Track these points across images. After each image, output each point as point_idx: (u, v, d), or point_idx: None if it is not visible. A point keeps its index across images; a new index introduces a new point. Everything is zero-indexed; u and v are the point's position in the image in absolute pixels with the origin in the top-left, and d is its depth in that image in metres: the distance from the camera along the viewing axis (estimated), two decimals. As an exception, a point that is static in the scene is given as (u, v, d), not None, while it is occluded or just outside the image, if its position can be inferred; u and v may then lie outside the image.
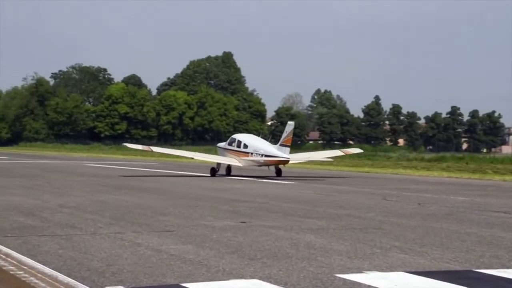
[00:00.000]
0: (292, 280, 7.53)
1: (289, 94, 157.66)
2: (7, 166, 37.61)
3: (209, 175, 30.60)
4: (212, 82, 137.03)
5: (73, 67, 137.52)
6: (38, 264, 8.25)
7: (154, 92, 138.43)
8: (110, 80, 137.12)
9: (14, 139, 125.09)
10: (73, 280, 7.35)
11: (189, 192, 20.26)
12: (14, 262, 8.39)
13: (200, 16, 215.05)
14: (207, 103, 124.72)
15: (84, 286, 7.11)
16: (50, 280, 7.35)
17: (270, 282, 7.43)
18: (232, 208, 15.48)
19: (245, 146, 31.01)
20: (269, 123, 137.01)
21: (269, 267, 8.27)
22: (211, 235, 11.00)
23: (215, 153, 35.01)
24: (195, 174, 32.10)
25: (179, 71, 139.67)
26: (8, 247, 9.39)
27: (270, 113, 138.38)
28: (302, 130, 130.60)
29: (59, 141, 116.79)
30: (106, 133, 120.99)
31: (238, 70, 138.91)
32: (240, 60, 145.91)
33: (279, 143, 30.51)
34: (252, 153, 30.37)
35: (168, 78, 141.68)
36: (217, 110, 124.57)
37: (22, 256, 8.75)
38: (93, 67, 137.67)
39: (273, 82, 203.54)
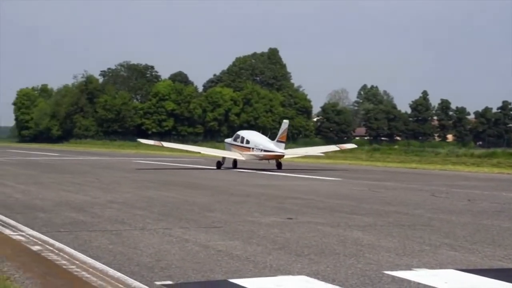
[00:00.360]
0: (340, 277, 7.49)
1: (335, 90, 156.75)
2: (58, 163, 38.44)
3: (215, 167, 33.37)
4: (258, 78, 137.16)
5: (121, 65, 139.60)
6: (90, 258, 8.41)
7: (200, 89, 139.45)
8: (157, 77, 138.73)
9: (65, 136, 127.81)
10: (123, 275, 7.47)
11: (235, 189, 20.34)
12: (66, 256, 8.57)
13: (246, 13, 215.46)
14: (252, 100, 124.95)
15: (134, 281, 7.21)
16: (101, 275, 7.49)
17: (318, 278, 7.41)
18: (279, 205, 15.48)
19: (247, 141, 33.63)
20: (315, 119, 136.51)
21: (317, 264, 8.24)
22: (258, 231, 11.02)
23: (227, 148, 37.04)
24: (242, 170, 32.21)
25: (225, 67, 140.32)
26: (61, 242, 9.60)
27: (316, 109, 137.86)
28: (348, 126, 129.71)
29: (107, 137, 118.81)
30: (154, 130, 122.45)
31: (283, 66, 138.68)
32: (286, 56, 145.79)
33: (276, 139, 32.97)
34: (253, 148, 33.09)
35: (214, 75, 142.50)
36: (263, 107, 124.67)
37: (74, 251, 8.94)
38: (141, 64, 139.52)
39: (319, 78, 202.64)
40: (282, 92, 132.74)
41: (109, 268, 7.82)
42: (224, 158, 34.34)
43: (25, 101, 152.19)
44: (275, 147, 32.57)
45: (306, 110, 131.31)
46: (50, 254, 8.76)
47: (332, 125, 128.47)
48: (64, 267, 7.95)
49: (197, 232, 10.81)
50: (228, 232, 10.85)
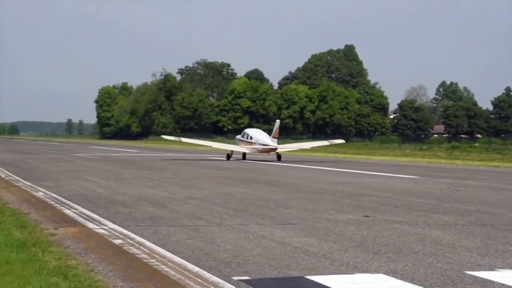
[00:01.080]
0: (419, 276, 7.34)
1: (413, 86, 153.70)
2: (137, 159, 39.43)
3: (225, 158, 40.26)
4: (333, 75, 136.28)
5: (198, 63, 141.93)
6: (169, 253, 8.58)
7: (275, 86, 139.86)
8: (233, 75, 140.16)
9: (144, 132, 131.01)
10: (201, 270, 7.58)
11: (311, 186, 20.29)
12: (146, 250, 8.78)
13: (322, 10, 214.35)
14: (328, 97, 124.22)
15: (212, 275, 7.31)
16: (180, 269, 7.63)
17: (396, 277, 7.30)
18: (355, 202, 15.33)
19: (251, 138, 41.26)
20: (391, 117, 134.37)
21: (395, 262, 8.11)
22: (334, 228, 10.95)
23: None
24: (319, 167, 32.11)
25: (300, 65, 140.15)
26: (141, 236, 9.85)
27: (392, 106, 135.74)
28: (426, 123, 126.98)
29: (184, 134, 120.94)
30: (229, 127, 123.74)
31: (360, 63, 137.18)
32: (362, 53, 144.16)
33: (271, 136, 41.09)
34: (254, 143, 40.66)
35: (290, 72, 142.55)
36: (338, 104, 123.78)
37: (154, 245, 9.15)
38: (217, 62, 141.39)
39: (396, 75, 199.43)
40: (358, 89, 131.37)
41: (188, 263, 7.96)
42: (232, 151, 41.35)
43: (106, 99, 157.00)
44: (270, 142, 40.21)
45: (382, 107, 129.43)
46: (131, 247, 9.00)
47: (409, 123, 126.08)
48: (145, 260, 8.15)
49: (273, 229, 10.84)
50: (304, 229, 10.83)
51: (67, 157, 41.12)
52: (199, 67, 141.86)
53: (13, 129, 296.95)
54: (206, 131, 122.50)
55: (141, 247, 8.99)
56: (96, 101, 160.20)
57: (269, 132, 44.40)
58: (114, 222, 11.32)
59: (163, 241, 9.53)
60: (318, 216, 12.64)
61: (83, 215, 12.22)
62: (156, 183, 20.35)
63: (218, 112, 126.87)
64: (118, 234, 10.07)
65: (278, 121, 44.34)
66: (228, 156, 40.56)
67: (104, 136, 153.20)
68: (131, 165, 32.14)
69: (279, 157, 40.22)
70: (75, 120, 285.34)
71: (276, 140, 40.69)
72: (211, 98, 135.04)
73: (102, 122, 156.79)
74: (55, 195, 15.81)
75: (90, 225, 11.06)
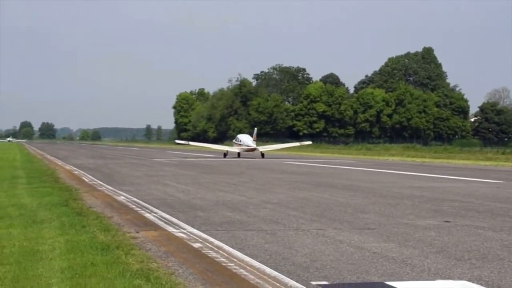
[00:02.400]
0: (505, 284, 7.10)
1: (495, 88, 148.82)
2: (214, 164, 39.92)
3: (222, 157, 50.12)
4: (411, 78, 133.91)
5: (274, 68, 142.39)
6: (247, 257, 8.64)
7: (351, 90, 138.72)
8: (308, 79, 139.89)
9: (220, 137, 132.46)
10: (279, 274, 7.60)
11: (389, 191, 19.97)
12: (225, 254, 8.88)
13: (399, 12, 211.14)
14: (405, 100, 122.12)
15: (291, 280, 7.31)
16: (258, 273, 7.67)
17: (481, 284, 7.09)
18: (435, 207, 14.99)
19: (240, 141, 54.87)
20: (472, 120, 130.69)
21: (479, 269, 7.88)
22: (414, 233, 10.74)
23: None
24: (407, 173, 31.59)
25: (377, 68, 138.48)
26: (220, 240, 9.96)
27: (473, 109, 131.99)
28: (510, 126, 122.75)
29: (260, 139, 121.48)
30: (305, 131, 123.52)
31: (439, 65, 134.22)
32: (441, 55, 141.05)
33: (252, 139, 54.49)
34: (242, 145, 53.96)
35: (366, 76, 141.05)
36: (416, 107, 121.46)
37: (232, 249, 9.23)
38: (293, 67, 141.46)
39: (477, 77, 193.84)
40: (437, 92, 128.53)
41: (266, 267, 7.99)
42: (227, 151, 54.51)
43: (184, 105, 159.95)
44: (252, 144, 53.86)
45: (462, 110, 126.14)
46: (210, 251, 9.11)
47: (492, 126, 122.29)
48: (224, 264, 8.23)
49: (351, 234, 10.74)
50: (383, 234, 10.68)
51: (147, 162, 42.12)
52: (275, 72, 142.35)
53: (96, 135, 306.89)
54: (282, 135, 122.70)
55: (220, 251, 9.09)
56: (174, 107, 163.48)
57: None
58: (193, 226, 11.49)
59: (241, 245, 9.61)
60: (397, 221, 12.43)
61: (163, 219, 12.47)
62: (233, 188, 20.53)
63: (293, 116, 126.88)
64: (197, 238, 10.22)
65: (255, 128, 62.15)
66: (224, 155, 52.77)
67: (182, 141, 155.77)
68: (208, 169, 32.58)
69: (262, 155, 53.40)
70: (154, 126, 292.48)
71: (255, 142, 54.68)
72: (286, 103, 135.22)
73: (180, 127, 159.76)
74: (136, 199, 16.22)
75: (170, 228, 11.27)
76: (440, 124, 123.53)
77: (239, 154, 53.82)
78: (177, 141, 71.55)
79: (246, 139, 55.10)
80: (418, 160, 48.96)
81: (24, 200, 15.37)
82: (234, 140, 57.41)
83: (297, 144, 66.13)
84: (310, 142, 70.56)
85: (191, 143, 67.16)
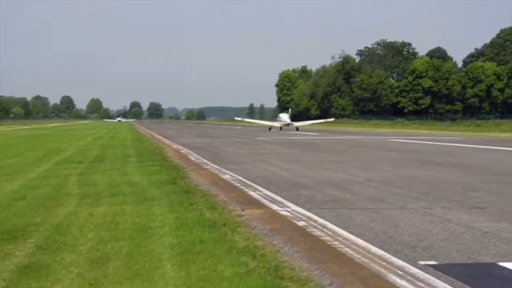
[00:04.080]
0: None
1: None
2: (317, 142, 39.87)
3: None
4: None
5: (378, 43, 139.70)
6: (352, 235, 8.61)
7: (459, 64, 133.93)
8: (414, 54, 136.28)
9: (322, 115, 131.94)
10: (385, 253, 7.52)
11: (501, 167, 19.21)
12: (329, 233, 8.88)
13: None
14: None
15: (397, 259, 7.21)
16: (364, 252, 7.62)
17: None
18: (551, 186, 14.27)
19: (280, 118, 73.18)
20: None
21: None
22: (528, 214, 10.30)
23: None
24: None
25: (487, 40, 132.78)
26: (324, 219, 9.97)
27: None
28: None
29: (363, 117, 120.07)
30: (410, 108, 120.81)
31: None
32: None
33: (288, 116, 72.29)
34: (281, 121, 70.91)
35: (476, 49, 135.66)
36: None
37: (337, 227, 9.21)
38: (398, 42, 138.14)
39: None
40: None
41: (372, 246, 7.93)
42: (272, 126, 71.50)
43: (286, 83, 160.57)
44: (288, 120, 71.04)
45: None
46: (314, 229, 9.14)
47: None
48: (328, 243, 8.24)
49: (460, 213, 10.44)
50: (494, 214, 10.31)
51: (250, 140, 42.67)
52: (379, 47, 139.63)
53: (200, 115, 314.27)
54: (386, 113, 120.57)
55: (324, 229, 9.10)
56: (277, 85, 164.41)
57: None
58: (297, 204, 11.55)
59: (345, 223, 9.58)
60: (509, 199, 11.96)
61: (267, 197, 12.62)
62: (336, 166, 20.43)
63: (398, 93, 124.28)
64: (301, 216, 10.27)
65: (290, 109, 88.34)
66: (269, 129, 69.02)
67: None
68: (311, 148, 32.58)
69: (297, 128, 69.55)
70: (257, 105, 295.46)
71: (290, 119, 71.98)
72: (390, 79, 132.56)
73: (283, 105, 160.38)
74: (240, 178, 16.49)
75: (274, 207, 11.39)
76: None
77: (281, 128, 69.69)
78: (236, 118, 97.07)
79: (284, 117, 73.19)
80: (532, 137, 46.70)
81: (135, 178, 16.01)
82: (277, 118, 77.74)
83: (322, 120, 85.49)
84: (332, 119, 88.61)
85: (245, 119, 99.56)
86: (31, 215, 10.22)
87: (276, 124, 71.91)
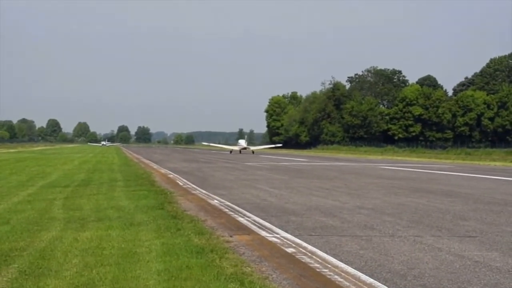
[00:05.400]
0: None
1: None
2: (307, 168, 39.88)
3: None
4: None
5: (368, 70, 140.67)
6: (341, 263, 8.58)
7: (450, 92, 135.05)
8: (404, 82, 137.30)
9: (312, 141, 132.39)
10: (375, 281, 7.50)
11: (491, 196, 19.27)
12: (318, 260, 8.85)
13: (501, 11, 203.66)
14: (509, 103, 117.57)
15: (387, 287, 7.19)
16: (354, 280, 7.60)
17: None
18: (542, 215, 14.32)
19: (239, 143, 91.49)
20: None
21: None
22: (519, 243, 10.32)
23: None
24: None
25: (477, 70, 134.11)
26: (313, 246, 9.95)
27: None
28: None
29: (353, 143, 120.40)
30: (400, 135, 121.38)
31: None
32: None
33: (245, 141, 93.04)
34: (240, 146, 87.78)
35: (466, 78, 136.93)
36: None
37: (326, 255, 9.19)
38: (388, 69, 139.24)
39: None
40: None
41: (361, 273, 7.91)
42: (232, 149, 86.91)
43: (276, 108, 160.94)
44: (244, 144, 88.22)
45: None
46: (303, 256, 9.11)
47: None
48: (318, 270, 8.21)
49: (451, 241, 10.45)
50: (485, 242, 10.32)
51: (239, 166, 42.63)
52: (369, 74, 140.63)
53: (189, 139, 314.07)
54: (376, 139, 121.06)
55: (314, 256, 9.08)
56: (267, 111, 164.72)
57: None
58: (286, 231, 11.53)
59: (335, 251, 9.55)
60: (500, 229, 11.99)
61: (256, 223, 12.58)
62: (326, 192, 20.44)
63: (388, 120, 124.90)
64: (290, 243, 10.24)
65: (246, 136, 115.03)
66: (230, 152, 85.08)
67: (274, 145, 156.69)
68: (301, 174, 32.58)
69: (253, 152, 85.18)
70: (246, 130, 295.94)
71: (246, 144, 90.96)
72: (381, 106, 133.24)
73: (272, 131, 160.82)
74: (229, 203, 16.45)
75: (263, 233, 11.36)
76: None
77: (240, 151, 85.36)
78: (203, 143, 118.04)
79: (242, 142, 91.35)
80: (522, 166, 46.98)
81: (122, 203, 15.92)
82: (237, 143, 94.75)
83: (273, 146, 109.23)
84: (280, 145, 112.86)
85: (211, 144, 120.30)
86: (14, 240, 10.13)
87: (236, 148, 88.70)
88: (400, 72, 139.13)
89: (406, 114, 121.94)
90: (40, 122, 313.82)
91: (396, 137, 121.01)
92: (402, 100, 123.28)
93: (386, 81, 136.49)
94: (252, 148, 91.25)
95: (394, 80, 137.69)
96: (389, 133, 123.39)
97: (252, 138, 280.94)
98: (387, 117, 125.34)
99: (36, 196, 17.97)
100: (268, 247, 9.94)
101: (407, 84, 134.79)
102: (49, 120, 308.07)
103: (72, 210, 14.26)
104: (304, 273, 8.03)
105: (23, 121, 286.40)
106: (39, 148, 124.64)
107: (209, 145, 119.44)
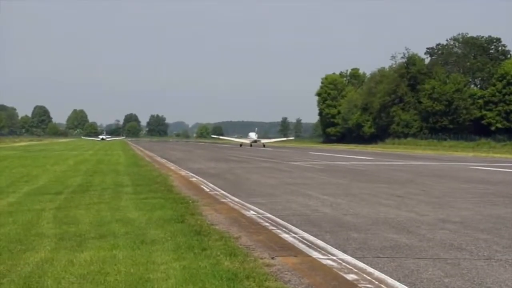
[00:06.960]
0: None
1: None
2: (372, 169, 39.75)
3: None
4: None
5: (455, 39, 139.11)
6: (419, 294, 8.56)
7: None
8: (504, 53, 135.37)
9: (379, 134, 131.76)
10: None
11: None
12: (389, 290, 8.85)
13: None
14: None
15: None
16: (435, 316, 7.57)
17: None
18: None
19: (249, 136, 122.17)
20: None
21: None
22: None
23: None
24: None
25: None
26: (381, 271, 9.94)
27: None
28: None
29: (435, 136, 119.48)
30: (498, 125, 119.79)
31: None
32: None
33: (255, 134, 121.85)
34: (250, 139, 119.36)
35: None
36: None
37: (399, 283, 9.19)
38: (482, 37, 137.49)
39: None
40: None
41: (446, 309, 7.88)
42: (242, 143, 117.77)
43: (331, 91, 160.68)
44: (255, 137, 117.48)
45: None
46: (369, 285, 9.11)
47: None
48: (388, 303, 8.21)
49: None
50: None
51: (283, 166, 42.70)
52: (457, 44, 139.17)
53: (217, 131, 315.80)
54: (465, 131, 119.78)
55: (382, 286, 9.07)
56: (318, 94, 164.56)
57: None
58: (345, 252, 11.53)
59: (411, 278, 9.54)
60: None
61: (305, 241, 12.61)
62: (398, 201, 20.38)
63: (482, 105, 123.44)
64: (351, 268, 10.24)
65: (256, 129, 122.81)
66: (240, 145, 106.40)
67: (328, 139, 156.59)
68: (363, 176, 32.51)
69: (264, 145, 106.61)
70: (292, 119, 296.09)
71: (257, 136, 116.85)
72: (472, 86, 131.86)
73: (326, 120, 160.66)
74: (269, 215, 16.50)
75: (315, 254, 11.37)
76: None
77: (251, 144, 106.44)
78: (212, 136, 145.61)
79: (252, 135, 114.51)
80: None
81: (130, 215, 16.10)
82: (247, 136, 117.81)
83: (285, 138, 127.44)
84: (292, 138, 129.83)
85: (220, 137, 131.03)
86: (-8, 262, 10.32)
87: (246, 141, 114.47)
88: (498, 40, 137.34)
89: (506, 97, 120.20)
90: (24, 110, 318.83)
91: (493, 128, 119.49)
92: (502, 78, 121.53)
93: (479, 52, 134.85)
94: (263, 141, 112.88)
95: (491, 51, 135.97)
96: (484, 122, 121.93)
97: (299, 129, 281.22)
98: (480, 101, 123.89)
99: (19, 206, 18.28)
100: (322, 272, 9.96)
101: (508, 56, 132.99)
102: (36, 107, 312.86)
103: (66, 224, 14.47)
104: (370, 307, 8.04)
105: (2, 108, 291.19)
106: (22, 143, 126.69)
107: (218, 138, 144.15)
